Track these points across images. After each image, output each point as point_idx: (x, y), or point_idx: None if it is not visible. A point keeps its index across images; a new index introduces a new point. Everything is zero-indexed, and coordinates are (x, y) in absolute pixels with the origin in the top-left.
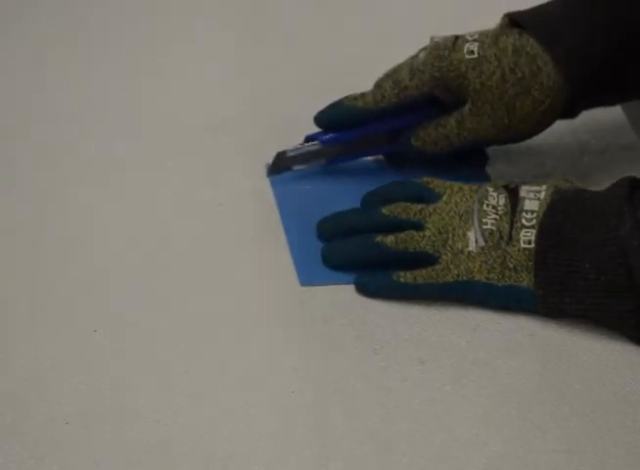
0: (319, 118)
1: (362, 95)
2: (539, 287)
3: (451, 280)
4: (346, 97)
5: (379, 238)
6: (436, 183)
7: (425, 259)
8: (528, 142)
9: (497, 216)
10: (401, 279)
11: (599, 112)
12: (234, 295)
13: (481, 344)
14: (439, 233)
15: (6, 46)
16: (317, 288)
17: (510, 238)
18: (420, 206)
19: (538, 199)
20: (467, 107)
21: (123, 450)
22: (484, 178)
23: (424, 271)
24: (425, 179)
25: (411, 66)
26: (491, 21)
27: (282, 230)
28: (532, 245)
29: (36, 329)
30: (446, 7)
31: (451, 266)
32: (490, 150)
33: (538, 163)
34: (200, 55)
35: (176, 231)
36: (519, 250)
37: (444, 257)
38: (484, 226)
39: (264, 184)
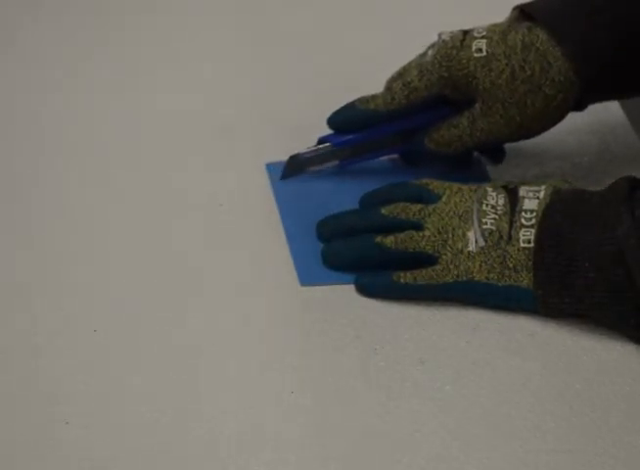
0: (332, 120)
1: (373, 97)
2: (539, 286)
3: (451, 280)
4: (359, 99)
5: (378, 238)
6: (436, 184)
7: (424, 260)
8: (528, 142)
9: (496, 216)
10: (401, 280)
11: (599, 111)
12: (234, 295)
13: (481, 344)
14: (439, 233)
15: (6, 46)
16: (317, 288)
17: (509, 238)
18: (419, 206)
19: (537, 198)
20: (478, 106)
21: (123, 450)
22: (484, 178)
23: (424, 271)
24: (424, 181)
25: (420, 66)
26: (490, 17)
27: (282, 230)
28: (532, 244)
29: (36, 329)
30: (449, 5)
31: (451, 266)
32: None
33: (538, 162)
34: (200, 55)
35: (176, 231)
36: (518, 249)
37: (444, 257)
38: (484, 226)
39: (264, 184)
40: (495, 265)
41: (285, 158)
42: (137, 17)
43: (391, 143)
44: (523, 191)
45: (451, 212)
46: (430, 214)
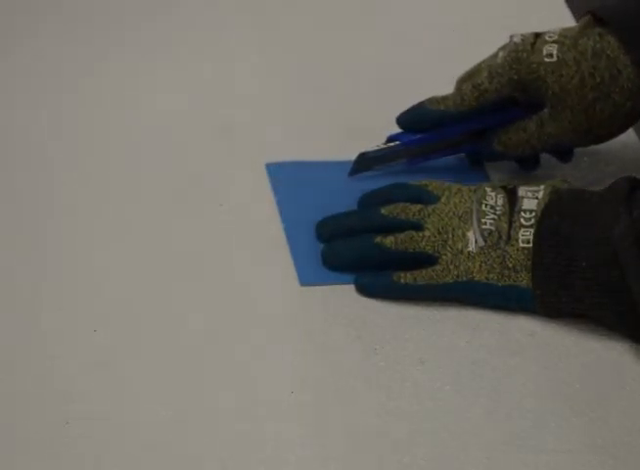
0: (401, 120)
1: (443, 98)
2: (537, 286)
3: (451, 280)
4: (428, 100)
5: (378, 239)
6: (435, 185)
7: (424, 260)
8: None
9: (496, 216)
10: (401, 280)
11: None
12: (234, 295)
13: (481, 344)
14: (439, 233)
15: (6, 46)
16: (317, 288)
17: (509, 238)
18: (419, 206)
19: (537, 198)
20: (546, 111)
21: (123, 450)
22: (484, 179)
23: (424, 272)
24: (423, 182)
25: (490, 67)
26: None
27: (282, 230)
28: (531, 244)
29: (36, 329)
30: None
31: (451, 267)
32: None
33: None
34: (200, 55)
35: (176, 231)
36: (517, 249)
37: (444, 257)
38: (483, 226)
39: (264, 184)
40: (495, 265)
41: (285, 158)
42: (137, 17)
43: (459, 143)
44: (522, 191)
45: (451, 213)
46: (429, 215)
